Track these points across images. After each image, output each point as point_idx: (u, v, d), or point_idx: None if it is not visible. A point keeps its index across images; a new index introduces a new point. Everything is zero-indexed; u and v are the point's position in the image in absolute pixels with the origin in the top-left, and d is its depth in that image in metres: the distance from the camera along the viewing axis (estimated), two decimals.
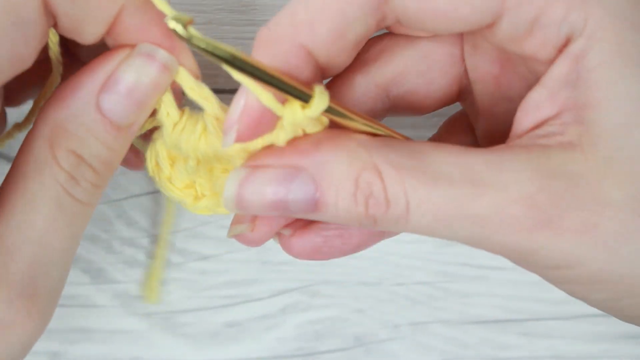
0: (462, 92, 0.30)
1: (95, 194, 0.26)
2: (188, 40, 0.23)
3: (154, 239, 0.38)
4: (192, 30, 0.23)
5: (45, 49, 0.29)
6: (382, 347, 0.39)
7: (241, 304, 0.39)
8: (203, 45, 0.23)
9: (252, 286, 0.39)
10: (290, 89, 0.24)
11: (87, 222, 0.26)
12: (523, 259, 0.24)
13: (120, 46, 0.26)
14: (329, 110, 0.25)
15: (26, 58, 0.24)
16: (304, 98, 0.24)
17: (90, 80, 0.25)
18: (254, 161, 0.26)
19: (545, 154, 0.23)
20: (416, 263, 0.39)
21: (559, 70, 0.23)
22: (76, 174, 0.25)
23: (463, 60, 0.29)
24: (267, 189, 0.25)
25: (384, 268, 0.39)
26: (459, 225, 0.23)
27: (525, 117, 0.25)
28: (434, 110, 0.29)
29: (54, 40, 0.27)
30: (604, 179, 0.23)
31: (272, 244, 0.38)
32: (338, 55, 0.25)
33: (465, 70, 0.29)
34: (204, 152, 0.28)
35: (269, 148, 0.26)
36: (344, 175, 0.24)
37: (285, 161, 0.25)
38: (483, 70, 0.28)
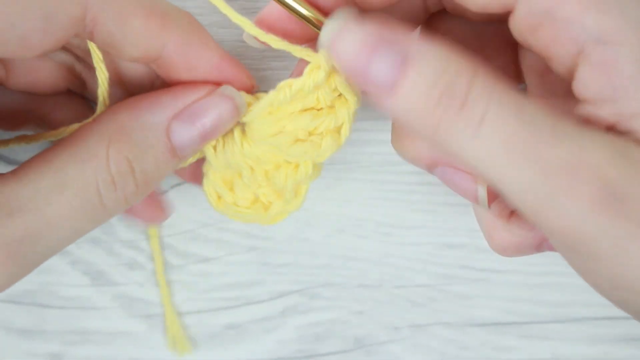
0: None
1: (121, 208, 0.26)
2: None
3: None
4: None
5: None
6: (383, 349, 0.39)
7: (241, 306, 0.39)
8: None
9: (253, 288, 0.39)
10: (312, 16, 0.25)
11: (97, 226, 0.26)
12: (576, 241, 0.22)
13: (204, 82, 0.27)
14: None
15: (36, 47, 0.24)
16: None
17: (170, 103, 0.26)
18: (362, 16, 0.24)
19: (624, 142, 0.22)
20: (416, 265, 0.39)
21: (591, 83, 0.23)
22: (119, 180, 0.25)
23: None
24: (357, 46, 0.23)
25: (384, 270, 0.39)
26: (525, 166, 0.22)
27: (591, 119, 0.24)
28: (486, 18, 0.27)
29: (98, 56, 0.27)
30: None
31: (273, 246, 0.38)
32: None
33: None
34: (253, 156, 0.28)
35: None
36: (435, 62, 0.23)
37: (389, 29, 0.24)
38: (531, 63, 0.28)
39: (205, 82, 0.27)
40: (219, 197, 0.30)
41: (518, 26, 0.24)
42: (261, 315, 0.39)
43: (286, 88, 0.27)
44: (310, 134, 0.28)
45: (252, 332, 0.39)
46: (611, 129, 0.23)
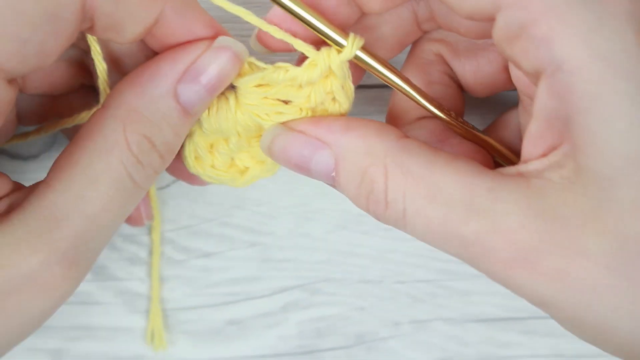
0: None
1: (153, 179, 0.27)
2: None
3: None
4: None
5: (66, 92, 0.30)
6: (383, 345, 0.39)
7: (243, 302, 0.39)
8: None
9: (254, 284, 0.39)
10: (325, 28, 0.27)
11: (137, 203, 0.27)
12: (512, 291, 0.25)
13: (178, 40, 0.27)
14: (361, 60, 0.28)
15: (52, 52, 0.24)
16: (337, 43, 0.27)
17: (171, 69, 0.26)
18: (290, 124, 0.28)
19: (543, 191, 0.24)
20: (418, 261, 0.39)
21: (549, 104, 0.23)
22: (144, 159, 0.26)
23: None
24: (293, 152, 0.27)
25: (386, 266, 0.39)
26: (448, 242, 0.25)
27: (531, 145, 0.25)
28: (478, 37, 0.30)
29: (96, 50, 0.28)
30: (586, 226, 0.23)
31: (274, 241, 0.39)
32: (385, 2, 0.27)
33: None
34: (244, 124, 0.29)
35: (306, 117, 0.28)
36: (354, 167, 0.26)
37: (316, 132, 0.27)
38: (521, 76, 0.29)
39: (199, 40, 0.27)
40: (197, 158, 0.31)
41: (497, 35, 0.25)
42: (262, 311, 0.39)
43: (282, 70, 0.27)
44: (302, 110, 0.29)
45: (253, 327, 0.39)
46: (553, 152, 0.24)
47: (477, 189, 0.24)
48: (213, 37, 0.27)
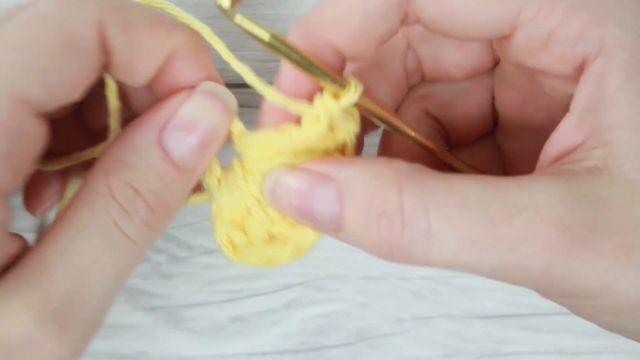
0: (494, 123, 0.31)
1: (147, 235, 0.25)
2: (231, 17, 0.24)
3: None
4: (236, 12, 0.24)
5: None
6: (386, 342, 0.39)
7: (246, 299, 0.39)
8: (245, 25, 0.24)
9: (257, 281, 0.39)
10: (325, 75, 0.25)
11: (135, 263, 0.25)
12: (554, 287, 0.23)
13: (181, 89, 0.26)
14: (361, 106, 0.26)
15: (78, 83, 0.24)
16: (337, 86, 0.25)
17: (153, 117, 0.26)
18: (297, 165, 0.26)
19: (574, 178, 0.23)
20: None
21: (583, 93, 0.23)
22: (130, 208, 0.24)
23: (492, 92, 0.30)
24: (294, 191, 0.25)
25: (388, 262, 0.39)
26: (488, 249, 0.22)
27: (552, 147, 0.24)
28: (466, 78, 0.30)
29: (112, 88, 0.27)
30: (633, 202, 0.22)
31: None
32: (363, 50, 0.26)
33: (493, 100, 0.30)
34: (256, 185, 0.28)
35: (314, 158, 0.26)
36: (362, 190, 0.24)
37: (319, 168, 0.25)
38: (508, 101, 0.29)
39: (185, 88, 0.26)
40: (234, 247, 0.29)
41: (517, 52, 0.25)
42: (265, 308, 0.39)
43: (286, 135, 0.26)
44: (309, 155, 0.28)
45: (256, 324, 0.39)
46: (583, 144, 0.24)
47: (508, 187, 0.23)
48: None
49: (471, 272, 0.23)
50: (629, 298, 0.22)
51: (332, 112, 0.26)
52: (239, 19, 0.24)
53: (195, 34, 0.27)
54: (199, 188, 0.29)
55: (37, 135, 0.23)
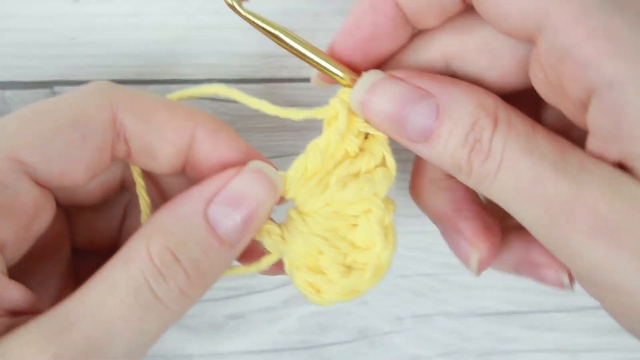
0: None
1: (181, 302, 0.25)
2: (243, 16, 0.26)
3: None
4: (246, 8, 0.26)
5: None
6: (386, 340, 0.39)
7: (244, 296, 0.39)
8: (258, 22, 0.26)
9: (255, 278, 0.38)
10: (332, 68, 0.26)
11: (166, 326, 0.25)
12: (581, 269, 0.24)
13: (218, 169, 0.27)
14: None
15: (81, 162, 0.25)
16: (347, 77, 0.27)
17: (201, 190, 0.26)
18: (391, 72, 0.27)
19: (628, 180, 0.24)
20: (419, 255, 0.39)
21: (602, 123, 0.24)
22: (166, 271, 0.25)
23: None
24: (394, 100, 0.26)
25: None
26: (532, 202, 0.24)
27: (596, 156, 0.25)
28: (502, 93, 0.30)
29: (140, 183, 0.29)
30: None
31: None
32: (424, 10, 0.26)
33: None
34: (319, 225, 0.28)
35: (406, 68, 0.27)
36: (466, 115, 0.25)
37: (420, 82, 0.26)
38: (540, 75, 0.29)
39: (221, 167, 0.27)
40: (317, 290, 0.30)
41: (539, 59, 0.25)
42: (264, 305, 0.39)
43: (314, 148, 0.27)
44: (356, 176, 0.28)
45: (255, 322, 0.39)
46: (618, 165, 0.24)
47: (569, 157, 0.24)
48: (245, 162, 0.27)
49: (514, 215, 0.25)
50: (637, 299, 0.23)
51: (345, 98, 0.27)
52: (246, 13, 0.25)
53: (214, 116, 0.28)
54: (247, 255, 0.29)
55: (32, 199, 0.25)
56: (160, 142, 0.27)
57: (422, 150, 0.26)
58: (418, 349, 0.40)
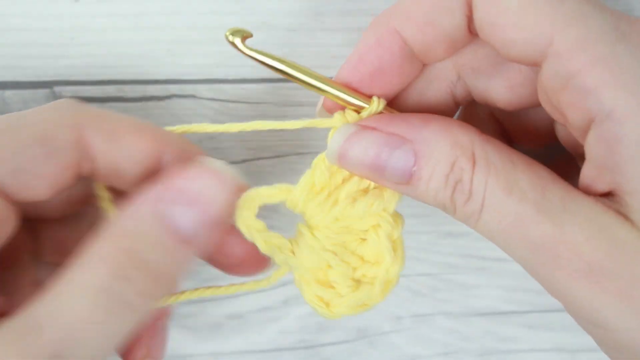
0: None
1: (145, 302, 0.25)
2: (247, 54, 0.26)
3: None
4: (249, 46, 0.26)
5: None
6: (385, 339, 0.39)
7: (243, 296, 0.39)
8: (263, 58, 0.26)
9: (255, 278, 0.38)
10: (339, 95, 0.27)
11: (130, 326, 0.25)
12: (569, 306, 0.25)
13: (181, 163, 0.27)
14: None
15: (47, 177, 0.26)
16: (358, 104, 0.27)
17: (155, 191, 0.26)
18: (363, 122, 0.27)
19: (607, 214, 0.24)
20: (419, 254, 0.39)
21: (597, 153, 0.24)
22: (130, 273, 0.25)
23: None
24: (370, 150, 0.26)
25: None
26: (516, 243, 0.25)
27: (587, 183, 0.25)
28: (516, 109, 0.30)
29: (105, 196, 0.29)
30: None
31: None
32: (428, 43, 0.26)
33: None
34: (328, 239, 0.29)
35: (379, 114, 0.27)
36: (443, 157, 0.25)
37: (393, 129, 0.26)
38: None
39: (187, 169, 0.27)
40: (326, 304, 0.30)
41: (543, 84, 0.25)
42: (263, 305, 0.39)
43: (320, 163, 0.28)
44: (365, 192, 0.28)
45: (254, 322, 0.39)
46: (608, 194, 0.24)
47: (550, 194, 0.24)
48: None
49: (507, 254, 0.26)
50: (626, 339, 0.24)
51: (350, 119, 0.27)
52: (250, 52, 0.26)
53: (183, 137, 0.29)
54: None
55: None
56: (126, 163, 0.27)
57: (404, 190, 0.27)
58: (418, 348, 0.40)
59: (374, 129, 0.27)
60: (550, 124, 0.31)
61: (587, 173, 0.25)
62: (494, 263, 0.39)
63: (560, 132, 0.30)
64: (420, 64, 0.28)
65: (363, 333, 0.39)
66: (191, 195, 0.26)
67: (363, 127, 0.27)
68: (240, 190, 0.28)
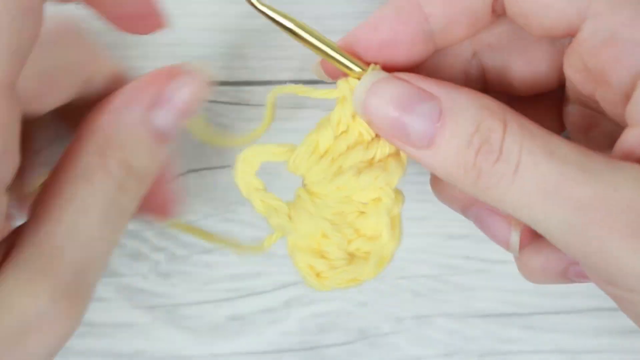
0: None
1: (136, 204, 0.26)
2: (256, 7, 0.25)
3: (159, 231, 0.38)
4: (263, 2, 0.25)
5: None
6: (386, 341, 0.39)
7: (245, 297, 0.39)
8: (270, 13, 0.25)
9: (256, 279, 0.39)
10: (343, 60, 0.26)
11: (124, 227, 0.26)
12: (614, 270, 0.23)
13: (165, 68, 0.27)
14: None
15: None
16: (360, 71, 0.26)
17: (142, 97, 0.26)
18: (395, 73, 0.26)
19: None
20: (420, 256, 0.39)
21: None
22: (125, 183, 0.25)
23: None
24: (396, 98, 0.25)
25: None
26: (559, 203, 0.23)
27: (629, 154, 0.24)
28: (531, 94, 0.29)
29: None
30: None
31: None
32: (452, 21, 0.26)
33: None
34: (327, 208, 0.28)
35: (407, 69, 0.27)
36: (470, 115, 0.24)
37: (421, 83, 0.25)
38: (577, 74, 0.28)
39: (160, 71, 0.27)
40: (317, 274, 0.29)
41: (579, 49, 0.24)
42: (264, 307, 0.39)
43: (325, 122, 0.27)
44: (370, 163, 0.28)
45: (255, 323, 0.39)
46: None
47: (594, 156, 0.23)
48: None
49: (534, 224, 0.24)
50: None
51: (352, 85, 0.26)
52: (262, 6, 0.25)
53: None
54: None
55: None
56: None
57: (424, 158, 0.25)
58: (418, 349, 0.40)
59: (404, 80, 0.25)
60: (559, 112, 0.30)
61: (630, 139, 0.24)
62: (495, 265, 0.39)
63: (570, 117, 0.29)
64: (432, 47, 0.27)
65: (364, 334, 0.39)
66: (171, 96, 0.26)
67: (393, 76, 0.26)
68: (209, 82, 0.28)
